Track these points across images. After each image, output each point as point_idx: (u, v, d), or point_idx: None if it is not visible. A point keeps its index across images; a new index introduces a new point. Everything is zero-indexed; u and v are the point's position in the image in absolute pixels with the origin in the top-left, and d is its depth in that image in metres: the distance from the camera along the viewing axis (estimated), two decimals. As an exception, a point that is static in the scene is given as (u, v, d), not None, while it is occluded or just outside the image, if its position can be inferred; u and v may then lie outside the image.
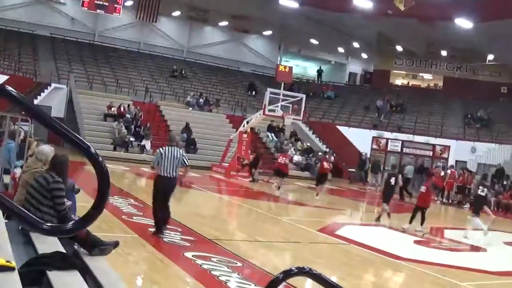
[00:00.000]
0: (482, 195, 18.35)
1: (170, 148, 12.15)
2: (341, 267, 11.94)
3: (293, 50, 57.31)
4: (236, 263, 10.29)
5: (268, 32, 52.77)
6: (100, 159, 2.30)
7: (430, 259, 13.82)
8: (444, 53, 50.30)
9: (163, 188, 12.08)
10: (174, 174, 12.03)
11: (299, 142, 40.83)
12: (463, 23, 38.41)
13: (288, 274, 3.31)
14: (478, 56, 48.83)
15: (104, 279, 5.78)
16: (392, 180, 19.26)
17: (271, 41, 54.77)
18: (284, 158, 27.06)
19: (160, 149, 12.35)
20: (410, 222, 17.63)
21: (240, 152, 32.54)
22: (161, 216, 12.08)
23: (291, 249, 13.39)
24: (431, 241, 17.11)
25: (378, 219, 19.10)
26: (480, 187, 18.49)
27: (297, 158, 37.89)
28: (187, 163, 12.51)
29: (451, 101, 48.05)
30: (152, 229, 12.18)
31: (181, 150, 12.51)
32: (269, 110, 32.24)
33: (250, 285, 8.72)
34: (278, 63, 48.01)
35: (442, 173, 33.35)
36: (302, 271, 3.35)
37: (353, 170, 39.45)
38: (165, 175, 11.95)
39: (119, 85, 40.89)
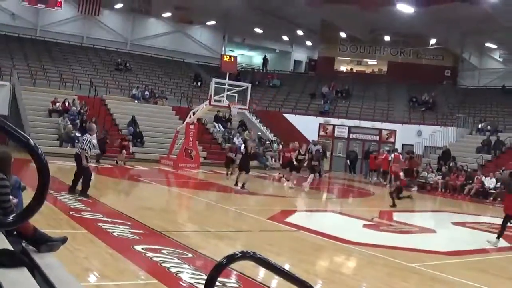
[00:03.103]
0: None
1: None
2: (293, 254, 11.99)
3: (238, 39, 57.20)
4: (187, 254, 10.24)
5: (212, 23, 52.58)
6: (40, 151, 2.25)
7: (380, 242, 13.99)
8: (387, 38, 50.83)
9: None
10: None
11: (247, 132, 40.87)
12: (405, 8, 38.83)
13: (232, 258, 3.29)
14: (421, 41, 49.53)
15: (53, 276, 5.67)
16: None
17: (215, 31, 54.55)
18: (290, 154, 26.98)
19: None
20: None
21: (188, 144, 32.39)
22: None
23: (242, 238, 13.40)
24: (380, 224, 17.32)
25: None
26: None
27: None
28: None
29: (395, 85, 48.69)
30: (102, 224, 12.09)
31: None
32: (215, 101, 32.14)
33: (201, 275, 8.68)
34: (223, 53, 47.87)
35: (390, 157, 33.78)
36: (246, 255, 3.34)
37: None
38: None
39: (63, 80, 40.23)
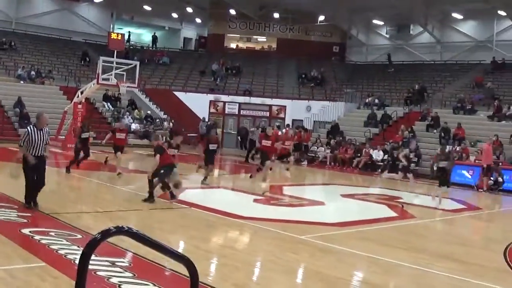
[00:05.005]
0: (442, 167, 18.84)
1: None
2: (184, 231, 12.02)
3: (126, 17, 56.24)
4: (76, 236, 10.08)
5: (99, 0, 51.47)
6: None
7: (270, 216, 14.22)
8: (276, 15, 51.33)
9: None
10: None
11: (137, 110, 40.45)
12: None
13: (106, 234, 3.25)
14: (309, 17, 50.29)
15: None
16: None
17: (103, 9, 53.39)
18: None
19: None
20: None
21: (76, 124, 31.72)
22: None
23: (132, 217, 13.29)
24: (270, 198, 17.55)
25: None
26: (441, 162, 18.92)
27: (135, 126, 37.55)
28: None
29: (285, 62, 49.32)
30: None
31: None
32: (103, 79, 31.64)
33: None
34: (111, 31, 47.04)
35: (280, 133, 34.24)
36: (121, 231, 3.30)
37: (194, 135, 39.44)
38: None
39: None
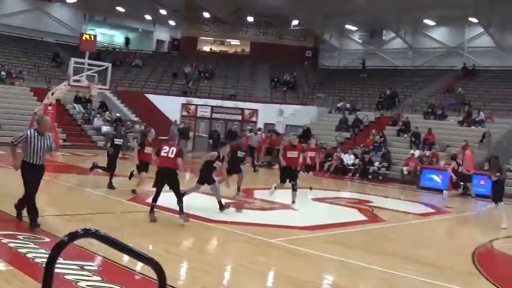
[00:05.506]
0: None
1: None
2: (154, 235, 11.95)
3: (99, 18, 55.95)
4: (44, 239, 9.98)
5: (72, 0, 51.05)
6: None
7: (241, 219, 14.21)
8: (250, 19, 51.41)
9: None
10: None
11: (108, 112, 40.23)
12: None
13: (74, 236, 3.24)
14: (283, 21, 50.57)
15: None
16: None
17: (76, 10, 53.00)
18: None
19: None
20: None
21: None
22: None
23: (102, 220, 13.17)
24: (242, 202, 17.53)
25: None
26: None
27: (105, 128, 37.35)
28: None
29: (258, 65, 49.46)
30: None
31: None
32: (75, 81, 31.43)
33: (58, 259, 8.49)
34: (84, 32, 46.72)
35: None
36: (88, 233, 3.29)
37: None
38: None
39: None
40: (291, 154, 17.45)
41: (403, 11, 43.89)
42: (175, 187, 13.07)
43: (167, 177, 13.09)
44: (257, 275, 9.37)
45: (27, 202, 11.28)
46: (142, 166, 17.72)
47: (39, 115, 11.47)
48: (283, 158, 17.38)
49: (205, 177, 14.98)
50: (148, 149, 17.73)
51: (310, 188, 21.32)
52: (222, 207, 14.79)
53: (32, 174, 11.08)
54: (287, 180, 17.23)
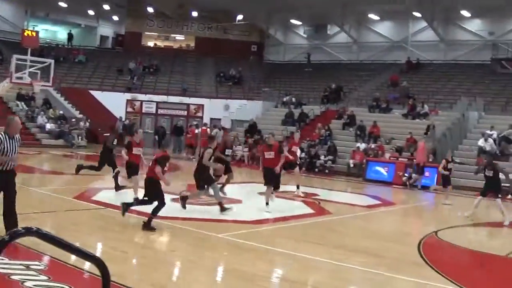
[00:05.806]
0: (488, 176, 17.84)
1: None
2: (101, 232, 11.84)
3: (41, 14, 54.89)
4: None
5: (13, -4, 50.12)
6: None
7: (188, 215, 14.16)
8: (195, 13, 51.28)
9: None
10: None
11: (51, 110, 39.64)
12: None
13: (15, 235, 3.18)
14: (228, 16, 50.45)
15: None
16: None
17: (17, 5, 51.82)
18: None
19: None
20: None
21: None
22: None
23: (47, 219, 12.98)
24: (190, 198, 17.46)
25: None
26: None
27: (49, 126, 36.81)
28: None
29: (203, 60, 49.34)
30: None
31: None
32: (17, 78, 30.97)
33: (3, 259, 8.34)
34: (25, 28, 45.91)
35: (197, 131, 34.39)
36: (30, 231, 3.24)
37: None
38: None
39: None
40: (269, 155, 16.79)
41: (348, 5, 44.25)
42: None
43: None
44: (205, 270, 9.37)
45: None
46: (132, 169, 16.45)
47: (8, 117, 9.93)
48: (262, 161, 17.07)
49: (205, 178, 15.10)
50: (136, 150, 16.56)
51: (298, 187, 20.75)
52: (223, 208, 14.80)
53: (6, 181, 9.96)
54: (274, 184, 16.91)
